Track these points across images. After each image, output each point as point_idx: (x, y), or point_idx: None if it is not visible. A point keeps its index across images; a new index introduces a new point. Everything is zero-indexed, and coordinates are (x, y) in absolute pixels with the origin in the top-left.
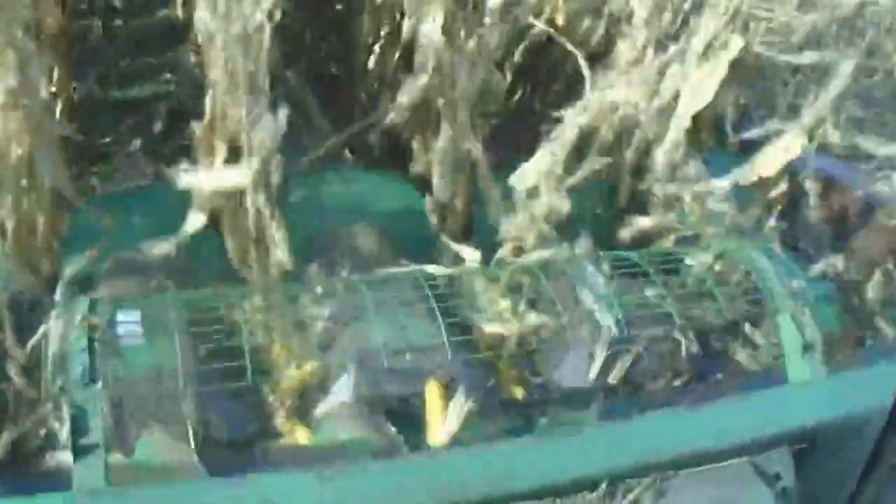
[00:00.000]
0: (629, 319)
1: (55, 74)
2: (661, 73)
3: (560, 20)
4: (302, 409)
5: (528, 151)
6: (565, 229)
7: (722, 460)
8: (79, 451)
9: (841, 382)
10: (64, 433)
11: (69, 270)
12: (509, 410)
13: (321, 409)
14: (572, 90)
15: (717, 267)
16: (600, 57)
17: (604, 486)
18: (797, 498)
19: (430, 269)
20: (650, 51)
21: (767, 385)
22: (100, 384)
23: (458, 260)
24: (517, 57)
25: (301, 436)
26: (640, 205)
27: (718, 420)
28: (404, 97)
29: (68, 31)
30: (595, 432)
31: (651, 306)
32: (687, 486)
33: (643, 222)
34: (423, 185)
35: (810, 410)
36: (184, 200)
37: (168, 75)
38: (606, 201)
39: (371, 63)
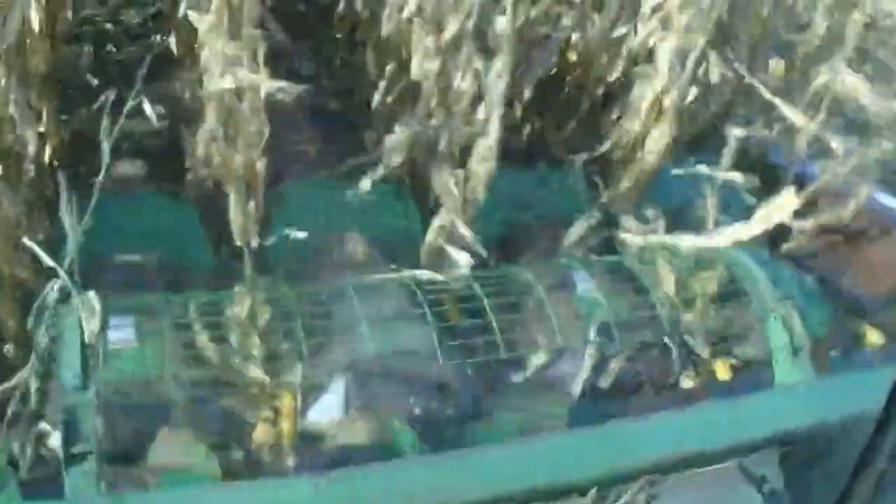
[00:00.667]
0: (620, 324)
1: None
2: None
3: (573, 57)
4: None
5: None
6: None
7: (711, 463)
8: (71, 458)
9: (829, 385)
10: (56, 439)
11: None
12: (500, 413)
13: (312, 415)
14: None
15: (707, 271)
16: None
17: (594, 489)
18: (785, 500)
19: (421, 274)
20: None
21: (756, 388)
22: (92, 390)
23: (450, 266)
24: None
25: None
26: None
27: (707, 423)
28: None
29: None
30: (585, 436)
31: (641, 311)
32: (676, 489)
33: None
34: (415, 194)
35: (798, 413)
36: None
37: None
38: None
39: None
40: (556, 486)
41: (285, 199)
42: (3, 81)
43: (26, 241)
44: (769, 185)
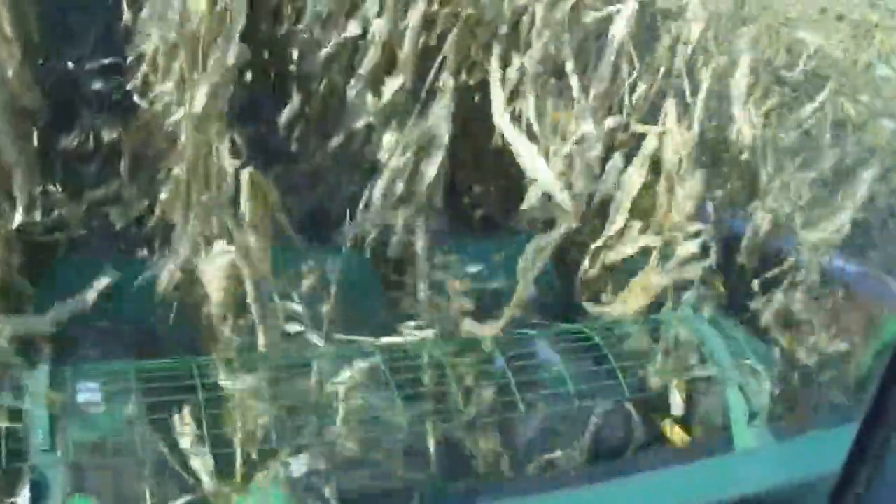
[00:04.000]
0: (580, 392)
1: None
2: None
3: None
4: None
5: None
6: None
7: None
8: None
9: (787, 450)
10: (24, 500)
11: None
12: (469, 481)
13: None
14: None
15: (666, 338)
16: None
17: None
18: None
19: (388, 342)
20: None
21: (715, 453)
22: (60, 451)
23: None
24: None
25: None
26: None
27: (667, 488)
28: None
29: None
30: (546, 503)
31: (601, 378)
32: None
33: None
34: (380, 261)
35: (757, 478)
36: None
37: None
38: (557, 275)
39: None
40: None
41: None
42: None
43: None
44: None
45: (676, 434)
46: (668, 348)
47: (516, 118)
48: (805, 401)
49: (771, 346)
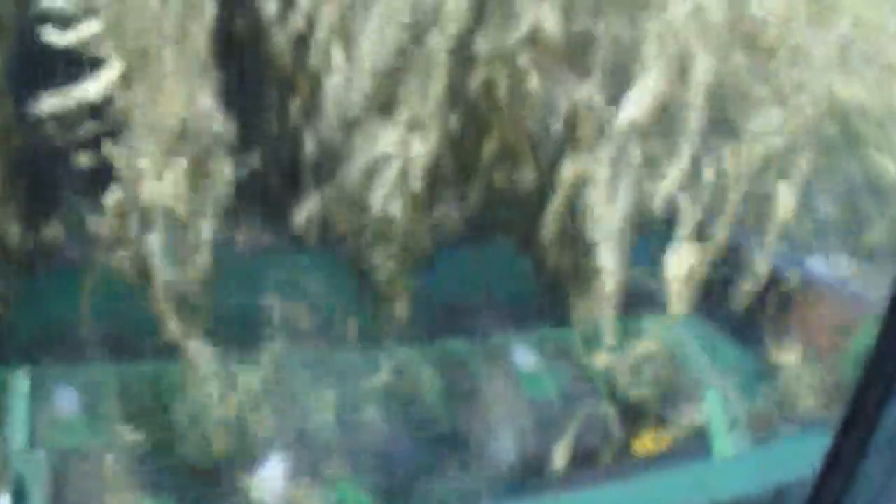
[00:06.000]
0: (559, 397)
1: None
2: None
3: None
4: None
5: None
6: (497, 306)
7: None
8: None
9: (766, 456)
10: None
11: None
12: (444, 484)
13: (255, 482)
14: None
15: (646, 344)
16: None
17: None
18: None
19: (367, 347)
20: None
21: (694, 460)
22: (41, 455)
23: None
24: None
25: None
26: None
27: (645, 495)
28: None
29: None
30: None
31: (581, 383)
32: None
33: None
34: (359, 266)
35: (735, 485)
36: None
37: None
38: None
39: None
40: None
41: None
42: None
43: None
44: None
45: (655, 440)
46: (649, 354)
47: None
48: (784, 407)
49: (750, 353)
